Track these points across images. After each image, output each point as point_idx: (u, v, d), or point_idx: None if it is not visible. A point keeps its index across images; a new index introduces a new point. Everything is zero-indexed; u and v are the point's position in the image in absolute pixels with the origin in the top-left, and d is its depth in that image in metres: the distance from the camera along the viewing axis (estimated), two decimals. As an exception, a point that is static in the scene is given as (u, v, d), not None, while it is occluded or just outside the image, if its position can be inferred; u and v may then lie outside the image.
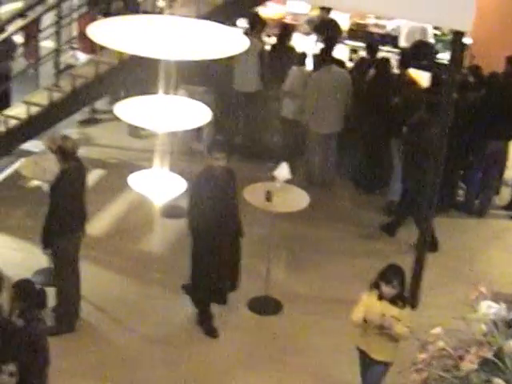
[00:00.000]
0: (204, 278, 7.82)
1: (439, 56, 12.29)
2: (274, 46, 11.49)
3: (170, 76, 4.74)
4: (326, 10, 12.40)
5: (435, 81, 10.50)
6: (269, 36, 12.01)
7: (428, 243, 8.63)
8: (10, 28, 9.66)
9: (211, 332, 7.97)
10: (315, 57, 11.30)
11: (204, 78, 10.57)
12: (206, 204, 7.60)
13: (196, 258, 7.85)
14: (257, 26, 11.22)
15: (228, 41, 4.41)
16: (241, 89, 11.16)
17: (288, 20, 13.05)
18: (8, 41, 10.01)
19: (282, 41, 11.43)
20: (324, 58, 10.75)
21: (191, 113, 5.23)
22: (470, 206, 10.70)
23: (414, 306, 8.40)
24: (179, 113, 5.16)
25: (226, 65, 10.76)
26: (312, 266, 9.23)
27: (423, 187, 8.34)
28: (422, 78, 11.14)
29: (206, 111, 5.24)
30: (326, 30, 12.02)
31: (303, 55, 11.01)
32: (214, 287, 7.90)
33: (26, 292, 5.93)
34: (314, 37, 12.20)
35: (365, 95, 10.56)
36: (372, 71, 10.80)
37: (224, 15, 8.84)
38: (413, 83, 10.74)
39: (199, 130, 10.82)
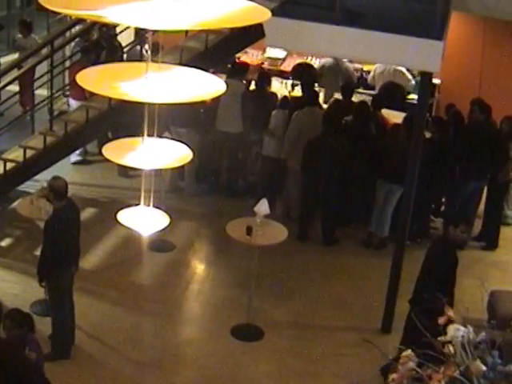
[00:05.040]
0: None
1: (411, 96, 12.62)
2: (253, 91, 11.80)
3: (154, 119, 5.16)
4: None
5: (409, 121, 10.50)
6: (249, 81, 12.48)
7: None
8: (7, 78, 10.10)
9: None
10: (292, 99, 11.66)
11: (189, 119, 10.97)
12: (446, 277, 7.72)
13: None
14: (237, 71, 11.68)
15: (206, 85, 4.90)
16: (223, 129, 11.49)
17: (267, 65, 13.35)
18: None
19: (260, 86, 11.70)
20: (305, 100, 11.12)
21: (174, 153, 5.70)
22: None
23: (388, 330, 8.89)
24: (163, 153, 5.63)
25: (208, 107, 11.25)
26: (291, 294, 9.63)
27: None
28: (396, 118, 11.39)
29: (189, 151, 5.69)
30: (303, 73, 12.47)
31: (285, 99, 11.37)
32: None
33: (19, 320, 6.44)
34: (290, 80, 12.61)
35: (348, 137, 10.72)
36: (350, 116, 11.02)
37: (205, 62, 9.13)
38: (386, 124, 11.07)
39: (183, 168, 11.26)
